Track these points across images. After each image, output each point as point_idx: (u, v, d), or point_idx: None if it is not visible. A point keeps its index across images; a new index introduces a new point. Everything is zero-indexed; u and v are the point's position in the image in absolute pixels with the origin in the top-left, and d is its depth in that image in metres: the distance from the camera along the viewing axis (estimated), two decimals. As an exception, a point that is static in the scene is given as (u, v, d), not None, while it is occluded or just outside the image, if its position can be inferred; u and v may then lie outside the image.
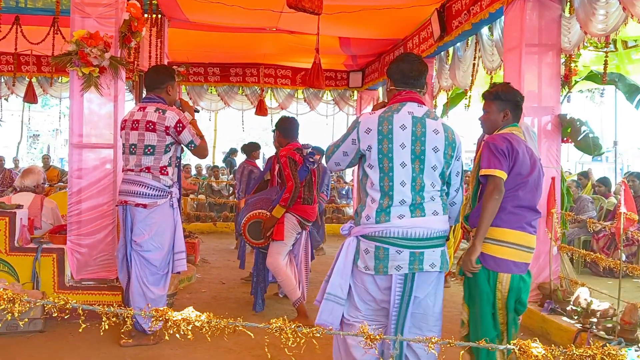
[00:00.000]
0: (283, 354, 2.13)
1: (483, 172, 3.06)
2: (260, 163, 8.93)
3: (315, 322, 2.79)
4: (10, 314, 1.87)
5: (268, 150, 20.88)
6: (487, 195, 2.99)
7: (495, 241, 3.04)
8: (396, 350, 2.54)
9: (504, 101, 3.24)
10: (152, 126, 4.05)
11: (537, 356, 1.71)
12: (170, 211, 4.20)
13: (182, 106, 4.42)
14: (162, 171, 4.12)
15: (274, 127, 5.39)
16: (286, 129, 5.15)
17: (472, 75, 7.10)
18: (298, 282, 5.12)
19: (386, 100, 3.08)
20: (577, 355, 1.76)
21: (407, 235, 2.72)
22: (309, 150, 5.00)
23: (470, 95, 7.40)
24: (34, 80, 10.79)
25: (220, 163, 15.78)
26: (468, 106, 7.56)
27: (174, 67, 7.92)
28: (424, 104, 2.90)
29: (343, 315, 2.89)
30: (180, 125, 4.08)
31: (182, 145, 4.22)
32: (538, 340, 1.81)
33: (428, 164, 2.77)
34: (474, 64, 6.94)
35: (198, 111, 4.89)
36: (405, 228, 2.72)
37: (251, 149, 8.50)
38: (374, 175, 2.78)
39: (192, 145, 4.17)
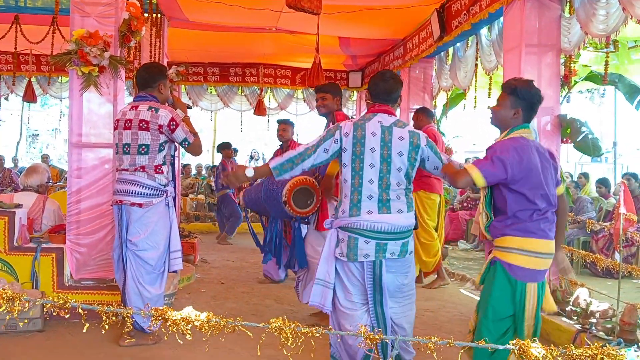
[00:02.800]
0: (282, 354, 2.13)
1: (467, 167, 3.02)
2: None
3: (309, 303, 3.37)
4: (9, 314, 1.87)
5: (267, 149, 20.81)
6: (456, 177, 3.08)
7: (523, 251, 2.97)
8: (396, 349, 2.56)
9: (519, 99, 3.08)
10: (145, 125, 4.04)
11: (536, 356, 1.71)
12: (166, 210, 4.19)
13: (175, 103, 4.39)
14: (157, 170, 4.11)
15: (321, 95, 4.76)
16: (341, 94, 4.85)
17: (474, 76, 7.10)
18: None
19: None
20: (576, 355, 1.76)
21: (374, 229, 3.19)
22: None
23: (475, 97, 7.41)
24: (33, 79, 10.77)
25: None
26: (475, 107, 7.58)
27: (174, 66, 7.96)
28: (394, 115, 3.36)
29: (339, 303, 3.32)
30: (174, 123, 4.06)
31: (176, 143, 4.21)
32: (537, 341, 1.81)
33: (394, 165, 3.22)
34: (476, 65, 6.94)
35: (190, 107, 4.84)
36: (373, 222, 3.19)
37: (222, 147, 9.84)
38: (347, 173, 3.26)
39: (186, 142, 4.16)
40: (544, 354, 1.72)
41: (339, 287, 3.33)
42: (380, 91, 3.36)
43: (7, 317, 1.89)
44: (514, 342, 1.78)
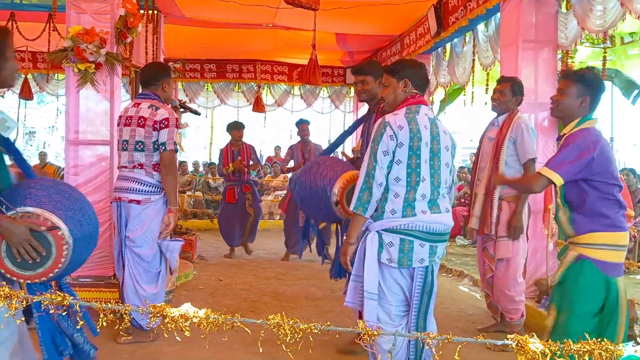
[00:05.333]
0: (281, 350, 2.13)
1: (543, 170, 2.92)
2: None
3: (366, 320, 2.80)
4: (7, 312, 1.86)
5: (265, 147, 20.74)
6: (530, 183, 3.07)
7: (613, 247, 2.90)
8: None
9: (587, 87, 2.95)
10: (143, 122, 4.03)
11: (535, 351, 1.71)
12: (164, 207, 4.17)
13: (180, 107, 4.36)
14: (155, 168, 4.09)
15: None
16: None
17: (472, 72, 7.09)
18: None
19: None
20: (574, 350, 1.76)
21: (429, 230, 2.91)
22: None
23: (472, 92, 7.41)
24: (29, 76, 10.75)
25: (217, 160, 15.72)
26: (472, 102, 7.59)
27: (170, 63, 7.94)
28: None
29: (377, 317, 2.95)
30: (165, 122, 4.02)
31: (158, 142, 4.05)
32: (536, 336, 1.81)
33: (443, 161, 2.98)
34: (473, 60, 6.94)
35: (199, 114, 4.74)
36: (427, 223, 2.90)
37: (231, 127, 8.64)
38: (401, 170, 2.90)
39: (163, 147, 4.03)
40: (542, 349, 1.72)
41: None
42: (423, 80, 3.15)
43: (6, 315, 1.89)
44: (512, 336, 1.78)
